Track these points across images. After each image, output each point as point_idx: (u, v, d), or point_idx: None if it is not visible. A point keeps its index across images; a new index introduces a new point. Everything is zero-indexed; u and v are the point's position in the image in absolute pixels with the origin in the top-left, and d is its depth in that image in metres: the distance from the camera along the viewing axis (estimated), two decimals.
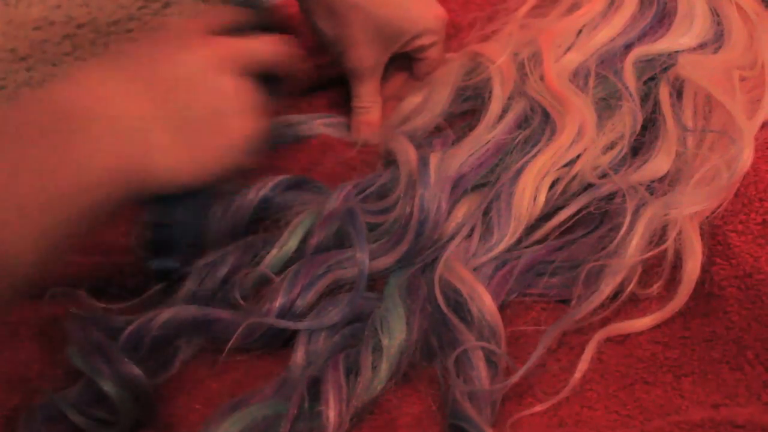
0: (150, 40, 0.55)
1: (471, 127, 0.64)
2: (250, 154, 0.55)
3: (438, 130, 0.65)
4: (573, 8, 0.69)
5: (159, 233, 0.57)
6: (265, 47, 0.57)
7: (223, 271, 0.58)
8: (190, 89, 0.53)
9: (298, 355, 0.54)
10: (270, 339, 0.56)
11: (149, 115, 0.51)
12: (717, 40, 0.66)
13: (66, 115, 0.48)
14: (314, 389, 0.52)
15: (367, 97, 0.70)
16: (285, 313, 0.56)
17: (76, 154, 0.48)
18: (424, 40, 0.69)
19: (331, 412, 0.50)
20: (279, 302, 0.56)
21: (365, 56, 0.68)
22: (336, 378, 0.52)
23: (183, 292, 0.58)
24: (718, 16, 0.67)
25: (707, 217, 0.56)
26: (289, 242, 0.59)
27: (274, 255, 0.59)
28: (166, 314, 0.55)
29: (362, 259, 0.57)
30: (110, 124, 0.49)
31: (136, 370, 0.53)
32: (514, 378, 0.51)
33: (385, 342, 0.53)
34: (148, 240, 0.58)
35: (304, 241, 0.60)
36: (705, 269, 0.55)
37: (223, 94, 0.54)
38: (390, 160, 0.64)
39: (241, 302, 0.57)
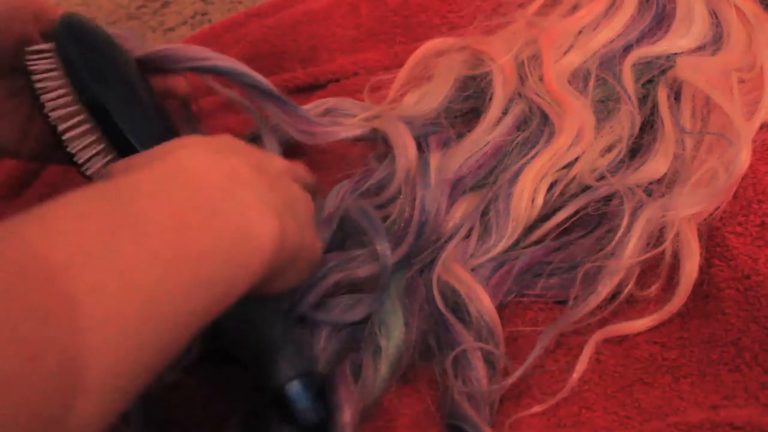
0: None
1: (470, 128, 0.64)
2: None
3: (437, 123, 0.65)
4: (574, 9, 0.69)
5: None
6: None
7: None
8: (291, 189, 0.48)
9: None
10: None
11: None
12: (715, 42, 0.66)
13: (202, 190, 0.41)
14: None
15: None
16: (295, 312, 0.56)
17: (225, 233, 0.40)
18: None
19: (346, 416, 0.50)
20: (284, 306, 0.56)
21: None
22: (346, 382, 0.52)
23: None
24: (716, 18, 0.67)
25: (706, 219, 0.56)
26: None
27: None
28: None
29: (384, 252, 0.57)
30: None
31: None
32: (512, 378, 0.52)
33: (383, 343, 0.53)
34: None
35: None
36: (704, 271, 0.55)
37: (310, 208, 0.50)
38: (384, 152, 0.64)
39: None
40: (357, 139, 0.66)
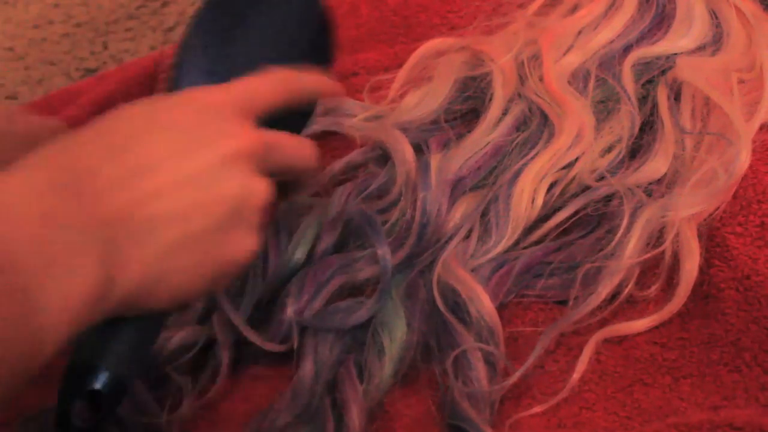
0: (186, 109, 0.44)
1: (470, 129, 0.64)
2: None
3: (436, 124, 0.65)
4: (574, 9, 0.69)
5: (85, 372, 0.42)
6: (300, 151, 0.49)
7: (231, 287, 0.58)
8: (203, 184, 0.42)
9: (307, 366, 0.53)
10: (279, 352, 0.56)
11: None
12: (715, 42, 0.66)
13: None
14: (331, 395, 0.52)
15: None
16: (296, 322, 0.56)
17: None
18: None
19: (354, 420, 0.50)
20: (289, 313, 0.55)
21: None
22: (352, 384, 0.52)
23: (190, 312, 0.57)
24: (716, 18, 0.67)
25: (706, 219, 0.56)
26: (298, 251, 0.59)
27: (284, 265, 0.58)
28: (176, 339, 0.55)
29: (384, 255, 0.57)
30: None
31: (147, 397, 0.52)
32: (512, 379, 0.52)
33: (386, 343, 0.53)
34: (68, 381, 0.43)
35: (313, 247, 0.59)
36: (703, 271, 0.55)
37: (240, 196, 0.43)
38: (384, 157, 0.64)
39: (252, 335, 0.56)
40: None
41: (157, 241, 0.40)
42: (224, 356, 0.55)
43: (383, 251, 0.57)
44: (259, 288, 0.57)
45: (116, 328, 0.43)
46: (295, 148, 0.48)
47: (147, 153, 0.41)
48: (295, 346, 0.55)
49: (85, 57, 0.94)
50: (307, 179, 0.52)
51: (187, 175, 0.42)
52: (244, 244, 0.44)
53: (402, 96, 0.69)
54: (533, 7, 0.71)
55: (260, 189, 0.44)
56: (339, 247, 0.60)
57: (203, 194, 0.42)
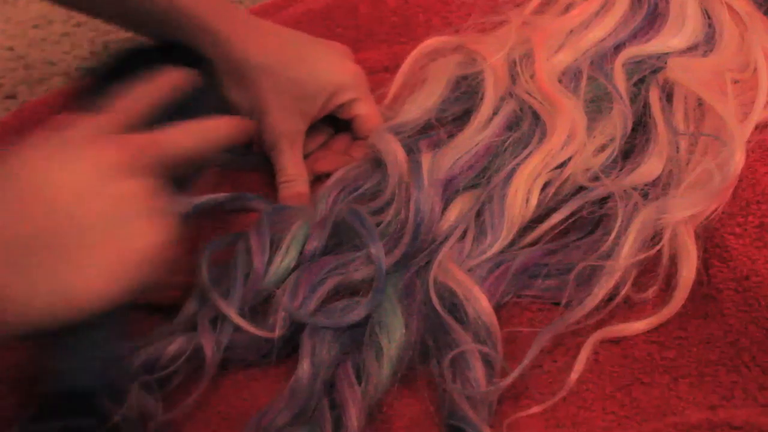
0: (44, 144, 0.47)
1: (462, 130, 0.64)
2: (159, 264, 0.46)
3: (429, 126, 0.65)
4: (568, 9, 0.69)
5: (57, 384, 0.46)
6: (185, 137, 0.50)
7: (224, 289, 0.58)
8: (71, 203, 0.45)
9: (305, 366, 0.53)
10: (275, 352, 0.56)
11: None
12: (708, 42, 0.66)
13: None
14: (328, 396, 0.52)
15: (291, 169, 0.66)
16: (290, 323, 0.56)
17: None
18: (342, 98, 0.66)
19: (353, 421, 0.51)
20: (282, 314, 0.55)
21: (280, 122, 0.65)
22: (350, 385, 0.52)
23: (183, 316, 0.57)
24: (709, 18, 0.67)
25: (704, 220, 0.56)
26: (289, 252, 0.59)
27: (276, 267, 0.58)
28: (175, 345, 0.55)
29: (377, 254, 0.57)
30: None
31: (146, 399, 0.52)
32: (508, 380, 0.51)
33: (384, 343, 0.53)
34: (46, 394, 0.46)
35: (304, 249, 0.59)
36: (703, 272, 0.55)
37: (117, 201, 0.45)
38: (377, 160, 0.64)
39: (242, 322, 0.56)
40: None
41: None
42: (208, 354, 0.55)
43: (376, 249, 0.57)
44: (248, 293, 0.57)
45: (71, 341, 0.45)
46: (188, 135, 0.50)
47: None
48: (278, 333, 0.55)
49: (85, 57, 0.94)
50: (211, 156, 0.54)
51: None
52: (141, 237, 0.45)
53: (401, 96, 0.69)
54: (530, 6, 0.71)
55: (138, 188, 0.46)
56: (332, 249, 0.60)
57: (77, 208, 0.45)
